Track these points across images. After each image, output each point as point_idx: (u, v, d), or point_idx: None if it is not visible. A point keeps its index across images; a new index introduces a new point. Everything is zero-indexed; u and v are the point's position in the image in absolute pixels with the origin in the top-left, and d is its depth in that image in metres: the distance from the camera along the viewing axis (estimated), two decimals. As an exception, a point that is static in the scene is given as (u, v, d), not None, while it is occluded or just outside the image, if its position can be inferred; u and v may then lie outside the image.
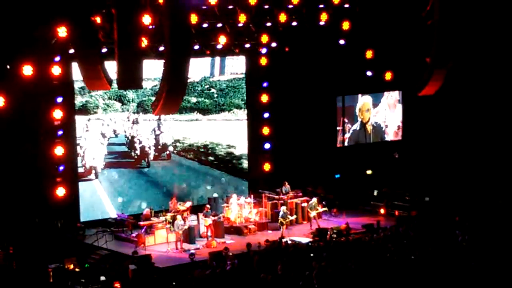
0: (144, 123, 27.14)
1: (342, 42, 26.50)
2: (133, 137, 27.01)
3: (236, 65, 28.24)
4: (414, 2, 24.78)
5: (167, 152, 27.44)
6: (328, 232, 23.63)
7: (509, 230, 21.71)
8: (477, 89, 28.48)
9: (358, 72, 27.91)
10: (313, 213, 24.89)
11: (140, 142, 27.13)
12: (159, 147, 27.36)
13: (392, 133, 30.22)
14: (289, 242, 22.72)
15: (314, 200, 25.19)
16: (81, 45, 20.23)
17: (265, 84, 28.01)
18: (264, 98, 28.02)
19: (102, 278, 19.33)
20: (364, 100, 29.78)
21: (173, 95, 20.82)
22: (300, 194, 26.27)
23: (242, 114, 28.34)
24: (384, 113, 30.15)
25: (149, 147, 27.21)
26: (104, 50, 21.19)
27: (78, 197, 25.02)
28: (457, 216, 23.59)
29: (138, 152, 26.98)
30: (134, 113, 26.90)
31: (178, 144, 27.64)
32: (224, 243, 23.08)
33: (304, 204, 25.92)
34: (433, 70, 24.71)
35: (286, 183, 26.04)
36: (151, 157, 27.11)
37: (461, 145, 28.89)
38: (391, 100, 30.25)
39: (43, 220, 23.34)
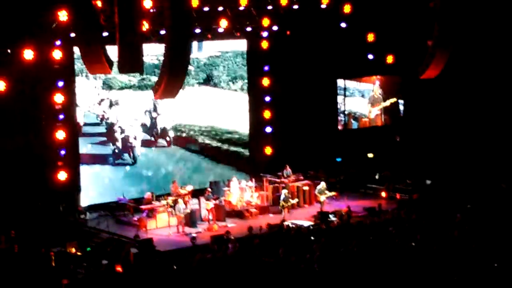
0: (126, 105, 25.99)
1: (343, 25, 26.47)
2: (112, 125, 25.87)
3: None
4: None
5: (168, 139, 26.98)
6: (329, 216, 23.65)
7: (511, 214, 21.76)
8: (478, 73, 28.39)
9: (359, 55, 27.89)
10: (322, 197, 24.90)
11: (122, 131, 26.04)
12: (157, 132, 26.67)
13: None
14: (291, 225, 22.74)
15: (323, 184, 25.17)
16: (82, 29, 20.26)
17: (266, 68, 27.94)
18: (265, 81, 27.97)
19: (104, 261, 19.39)
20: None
21: (174, 78, 20.85)
22: (302, 177, 26.28)
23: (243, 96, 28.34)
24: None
25: (135, 138, 25.98)
26: (105, 34, 21.14)
27: (79, 181, 25.03)
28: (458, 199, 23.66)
29: (118, 145, 25.93)
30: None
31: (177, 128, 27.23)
32: (225, 227, 23.09)
33: (306, 188, 25.95)
34: (435, 53, 24.70)
35: (288, 167, 26.03)
36: (138, 149, 26.04)
37: (462, 129, 28.85)
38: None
39: (45, 204, 23.38)
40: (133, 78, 26.40)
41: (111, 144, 25.92)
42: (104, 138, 25.93)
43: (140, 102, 26.66)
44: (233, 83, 28.37)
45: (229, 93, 28.26)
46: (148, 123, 26.75)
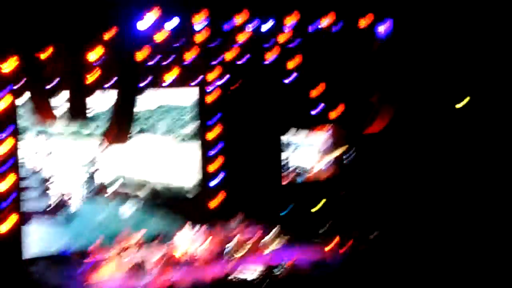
0: (62, 156, 26.03)
1: (287, 80, 26.89)
2: (45, 179, 25.67)
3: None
4: (359, 42, 25.40)
5: (108, 195, 26.53)
6: (275, 269, 23.64)
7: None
8: (421, 126, 29.03)
9: (304, 109, 28.26)
10: (270, 249, 24.90)
11: (58, 188, 25.81)
12: (94, 189, 26.55)
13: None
14: (234, 279, 22.68)
15: (270, 235, 25.19)
16: (30, 80, 20.34)
17: (213, 121, 28.09)
18: (213, 134, 28.09)
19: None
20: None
21: (120, 129, 21.07)
22: (250, 228, 26.29)
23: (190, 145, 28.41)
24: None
25: (70, 195, 25.68)
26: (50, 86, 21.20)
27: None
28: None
29: (53, 201, 25.57)
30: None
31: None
32: (171, 279, 22.90)
33: (254, 240, 25.94)
34: (379, 109, 25.27)
35: (236, 218, 26.05)
36: (73, 207, 25.58)
37: (407, 179, 29.30)
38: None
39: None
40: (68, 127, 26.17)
41: (44, 201, 25.30)
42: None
43: (76, 153, 26.40)
44: (162, 134, 28.33)
45: (169, 144, 28.17)
46: (88, 178, 26.45)
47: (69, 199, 25.29)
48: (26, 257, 24.23)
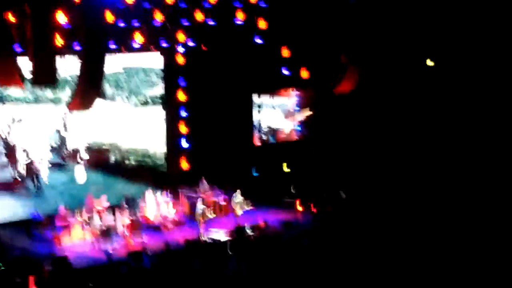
0: (29, 123, 25.03)
1: (258, 40, 26.76)
2: (13, 146, 24.65)
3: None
4: (330, 2, 25.30)
5: (79, 161, 25.99)
6: (246, 230, 23.81)
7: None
8: (390, 85, 29.14)
9: (274, 70, 28.20)
10: (239, 211, 25.01)
11: (26, 155, 24.75)
12: (68, 153, 25.91)
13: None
14: (208, 240, 22.82)
15: (240, 197, 25.26)
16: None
17: (182, 83, 27.93)
18: (181, 96, 27.96)
19: (18, 279, 19.03)
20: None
21: (88, 92, 20.84)
22: (218, 191, 26.39)
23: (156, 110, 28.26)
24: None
25: (40, 161, 24.81)
26: (17, 47, 20.86)
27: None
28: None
29: (21, 169, 24.80)
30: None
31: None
32: (142, 242, 23.00)
33: (223, 203, 26.08)
34: (348, 68, 25.26)
35: (203, 180, 26.10)
36: (44, 175, 24.91)
37: (375, 142, 29.51)
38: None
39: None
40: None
41: (11, 169, 24.82)
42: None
43: (45, 119, 25.67)
44: (127, 98, 27.97)
45: (134, 109, 27.93)
46: (57, 144, 26.01)
47: (38, 165, 24.94)
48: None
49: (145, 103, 27.90)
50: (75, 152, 26.16)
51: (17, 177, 25.03)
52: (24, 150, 25.00)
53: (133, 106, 27.74)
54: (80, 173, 26.00)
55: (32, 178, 25.05)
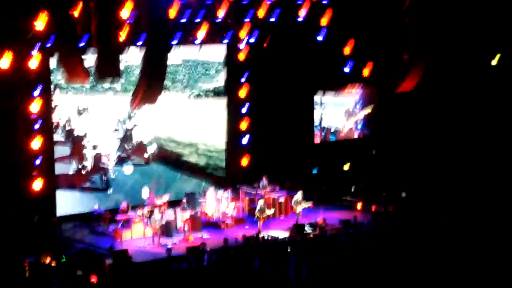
0: (96, 114, 24.56)
1: (320, 37, 26.58)
2: (79, 139, 24.69)
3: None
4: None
5: (146, 155, 26.05)
6: (305, 228, 23.69)
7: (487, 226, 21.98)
8: (454, 86, 28.69)
9: (336, 67, 27.99)
10: (299, 208, 24.88)
11: (94, 148, 24.75)
12: (131, 147, 25.75)
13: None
14: (266, 237, 22.76)
15: (299, 195, 25.13)
16: (61, 39, 20.26)
17: (243, 79, 27.92)
18: (243, 92, 27.96)
19: (79, 272, 19.26)
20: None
21: (153, 85, 20.98)
22: (278, 188, 26.30)
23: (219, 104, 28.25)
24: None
25: (108, 155, 24.71)
26: (82, 43, 21.13)
27: (55, 191, 24.86)
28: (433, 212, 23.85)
29: (86, 163, 24.67)
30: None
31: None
32: (201, 238, 23.07)
33: (282, 199, 25.98)
34: (411, 66, 24.93)
35: (264, 178, 26.02)
36: (111, 171, 24.97)
37: (437, 141, 29.10)
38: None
39: (19, 214, 23.17)
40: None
41: (74, 163, 24.82)
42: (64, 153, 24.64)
43: (109, 110, 25.39)
44: (182, 91, 27.60)
45: (191, 102, 27.70)
46: (121, 137, 25.84)
47: (106, 165, 25.07)
48: (59, 215, 24.51)
49: (200, 95, 27.74)
50: (140, 146, 26.21)
51: (82, 170, 25.17)
52: (91, 142, 25.09)
53: (190, 99, 27.62)
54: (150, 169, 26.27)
55: (99, 173, 25.14)
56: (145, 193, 24.15)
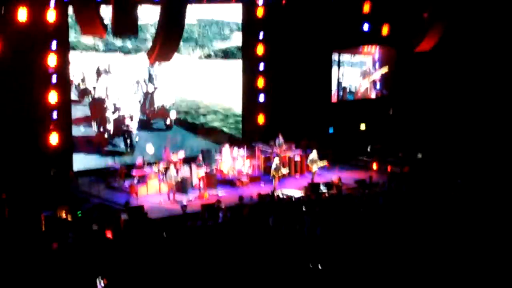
0: (118, 74, 24.35)
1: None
2: (100, 101, 24.36)
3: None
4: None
5: (168, 121, 25.73)
6: (320, 187, 23.68)
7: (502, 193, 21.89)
8: (472, 47, 28.37)
9: (354, 26, 27.73)
10: (314, 167, 24.84)
11: (116, 110, 24.49)
12: (153, 110, 25.50)
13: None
14: (281, 195, 22.78)
15: (315, 154, 25.06)
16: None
17: (261, 36, 27.73)
18: (260, 49, 27.79)
19: (94, 227, 19.38)
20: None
21: (169, 42, 20.77)
22: (294, 147, 26.25)
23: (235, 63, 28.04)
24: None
25: (131, 118, 24.34)
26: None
27: (72, 145, 24.93)
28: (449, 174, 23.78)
29: (108, 125, 24.27)
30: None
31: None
32: (216, 195, 23.12)
33: (297, 158, 25.94)
34: (430, 25, 24.61)
35: (280, 136, 25.93)
36: (134, 133, 24.83)
37: (454, 103, 28.88)
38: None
39: (36, 167, 23.29)
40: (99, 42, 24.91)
41: (95, 125, 24.60)
42: (84, 115, 24.50)
43: (125, 70, 25.05)
44: (193, 51, 27.23)
45: (204, 62, 27.41)
46: (141, 99, 25.62)
47: (129, 127, 24.70)
48: (76, 170, 24.60)
49: (210, 56, 27.59)
50: (161, 110, 26.05)
51: (104, 134, 25.12)
52: (114, 106, 24.88)
53: (201, 60, 27.46)
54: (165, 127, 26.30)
55: (123, 137, 24.94)
56: (150, 149, 24.15)
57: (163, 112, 26.20)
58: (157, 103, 26.05)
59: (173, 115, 26.31)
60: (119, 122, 24.81)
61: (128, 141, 25.13)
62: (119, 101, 24.94)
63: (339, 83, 29.53)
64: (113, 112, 24.70)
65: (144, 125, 25.84)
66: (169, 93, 26.20)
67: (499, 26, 27.90)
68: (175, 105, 26.55)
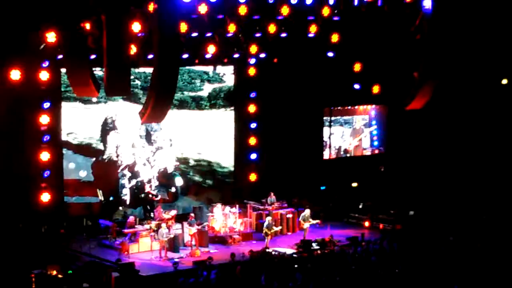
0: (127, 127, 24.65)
1: (330, 54, 26.61)
2: (109, 163, 24.70)
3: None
4: (403, 17, 24.99)
5: (173, 189, 25.92)
6: (312, 244, 23.62)
7: (493, 244, 21.85)
8: (462, 103, 28.69)
9: (346, 84, 28.02)
10: (306, 225, 24.82)
11: (133, 176, 24.75)
12: (158, 174, 25.69)
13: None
14: (274, 253, 22.70)
15: (307, 211, 25.10)
16: (69, 51, 20.28)
17: (253, 95, 28.00)
18: (252, 108, 28.01)
19: (85, 285, 19.24)
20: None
21: (161, 103, 20.86)
22: (285, 205, 26.25)
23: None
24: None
25: (149, 182, 24.74)
26: (92, 56, 21.18)
27: (63, 203, 24.90)
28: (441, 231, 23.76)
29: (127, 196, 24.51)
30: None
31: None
32: (208, 252, 23.03)
33: (289, 216, 25.91)
34: (421, 84, 24.88)
35: (272, 194, 25.98)
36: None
37: (445, 160, 29.04)
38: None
39: (27, 225, 23.21)
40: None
41: (100, 193, 24.71)
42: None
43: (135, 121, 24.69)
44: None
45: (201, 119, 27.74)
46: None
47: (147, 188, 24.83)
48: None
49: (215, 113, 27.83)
50: (164, 173, 26.10)
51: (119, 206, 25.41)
52: (129, 168, 24.90)
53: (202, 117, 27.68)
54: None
55: (142, 206, 24.74)
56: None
57: (167, 180, 26.20)
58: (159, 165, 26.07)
59: (179, 182, 26.18)
60: (138, 190, 24.70)
61: (148, 207, 24.78)
62: (136, 162, 24.98)
63: (329, 141, 29.68)
64: (130, 179, 24.46)
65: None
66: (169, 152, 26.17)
67: (487, 81, 28.31)
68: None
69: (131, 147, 24.76)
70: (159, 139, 26.07)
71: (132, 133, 25.17)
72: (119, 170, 24.07)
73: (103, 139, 24.92)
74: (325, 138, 29.61)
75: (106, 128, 25.01)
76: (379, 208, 27.33)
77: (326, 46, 26.23)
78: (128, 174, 24.26)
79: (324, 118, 29.52)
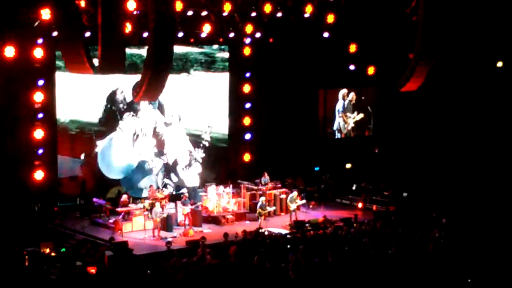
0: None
1: (326, 35, 26.55)
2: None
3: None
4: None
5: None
6: (305, 225, 23.65)
7: (488, 227, 21.90)
8: (456, 86, 28.67)
9: (341, 65, 27.97)
10: (293, 206, 24.81)
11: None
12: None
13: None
14: (267, 233, 22.73)
15: (295, 193, 25.11)
16: (64, 28, 20.16)
17: (248, 74, 27.93)
18: (246, 88, 27.95)
19: (78, 263, 19.26)
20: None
21: (156, 81, 20.78)
22: (279, 185, 26.26)
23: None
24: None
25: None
26: (87, 34, 21.08)
27: (57, 181, 24.88)
28: (434, 213, 23.78)
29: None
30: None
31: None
32: (201, 232, 23.05)
33: (283, 196, 25.91)
34: (416, 66, 24.83)
35: (266, 174, 25.98)
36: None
37: (439, 142, 29.07)
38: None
39: (20, 203, 23.18)
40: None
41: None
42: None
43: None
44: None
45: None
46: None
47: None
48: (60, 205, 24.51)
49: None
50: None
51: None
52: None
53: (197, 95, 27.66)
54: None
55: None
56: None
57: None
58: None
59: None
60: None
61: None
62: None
63: (324, 121, 29.65)
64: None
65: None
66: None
67: (483, 65, 28.27)
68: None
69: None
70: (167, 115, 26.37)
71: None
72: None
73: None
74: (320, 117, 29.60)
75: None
76: (373, 190, 27.37)
77: (321, 26, 26.19)
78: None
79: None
